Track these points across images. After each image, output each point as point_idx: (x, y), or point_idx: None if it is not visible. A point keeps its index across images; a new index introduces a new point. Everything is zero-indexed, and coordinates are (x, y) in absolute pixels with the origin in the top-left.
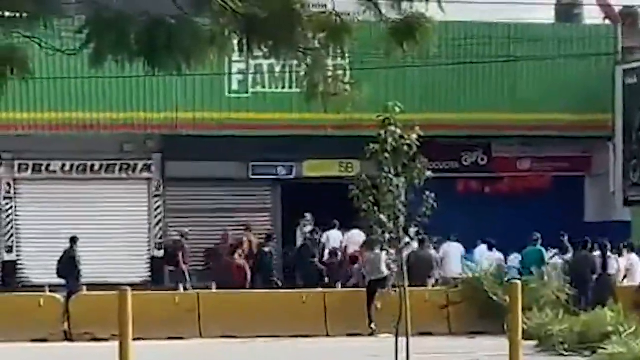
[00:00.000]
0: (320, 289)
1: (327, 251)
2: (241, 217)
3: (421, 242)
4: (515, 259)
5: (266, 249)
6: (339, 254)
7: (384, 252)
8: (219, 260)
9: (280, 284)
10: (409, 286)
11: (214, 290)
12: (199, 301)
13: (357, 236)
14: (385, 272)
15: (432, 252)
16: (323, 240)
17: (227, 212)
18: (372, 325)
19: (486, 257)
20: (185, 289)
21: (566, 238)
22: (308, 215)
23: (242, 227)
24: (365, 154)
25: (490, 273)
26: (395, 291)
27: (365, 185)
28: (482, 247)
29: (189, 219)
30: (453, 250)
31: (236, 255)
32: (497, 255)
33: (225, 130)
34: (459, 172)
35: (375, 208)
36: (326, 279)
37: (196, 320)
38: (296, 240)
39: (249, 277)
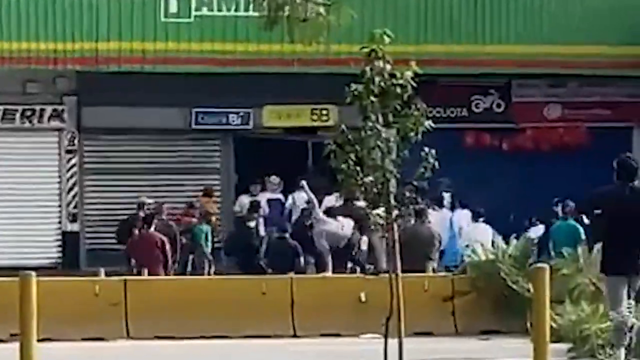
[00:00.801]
0: (288, 275)
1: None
2: (181, 180)
3: (418, 214)
4: (535, 232)
5: (251, 223)
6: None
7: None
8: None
9: (269, 270)
10: (403, 272)
11: (146, 277)
12: (126, 291)
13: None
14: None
15: (432, 226)
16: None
17: (163, 174)
18: None
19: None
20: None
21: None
22: (274, 179)
23: (176, 193)
24: (345, 97)
25: (509, 254)
26: (382, 276)
27: (345, 138)
28: (461, 213)
29: (111, 182)
30: (481, 232)
31: (152, 228)
32: (480, 227)
33: (161, 66)
34: (468, 121)
35: (358, 169)
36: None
37: (122, 315)
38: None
39: (169, 257)
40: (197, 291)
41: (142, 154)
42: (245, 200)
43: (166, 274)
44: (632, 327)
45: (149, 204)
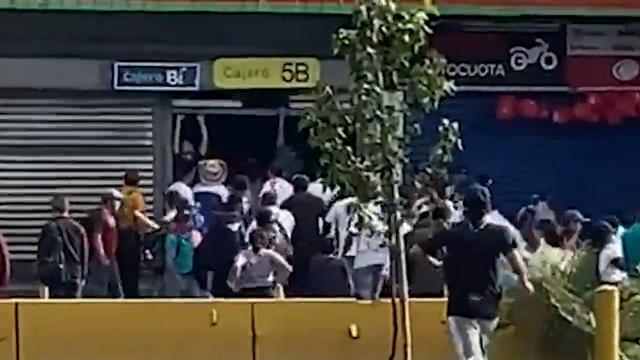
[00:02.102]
0: (246, 300)
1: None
2: (98, 163)
3: (436, 215)
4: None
5: (232, 225)
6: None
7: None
8: None
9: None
10: (412, 295)
11: (46, 300)
12: (18, 319)
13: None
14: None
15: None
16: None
17: (73, 154)
18: None
19: None
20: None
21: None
22: (212, 165)
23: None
24: (331, 47)
25: (562, 271)
26: (380, 302)
27: (330, 106)
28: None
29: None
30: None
31: None
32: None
33: (70, 0)
34: (505, 83)
35: (348, 149)
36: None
37: (13, 352)
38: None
39: (7, 269)
40: (120, 320)
41: (44, 125)
42: (183, 188)
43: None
44: None
45: (113, 196)
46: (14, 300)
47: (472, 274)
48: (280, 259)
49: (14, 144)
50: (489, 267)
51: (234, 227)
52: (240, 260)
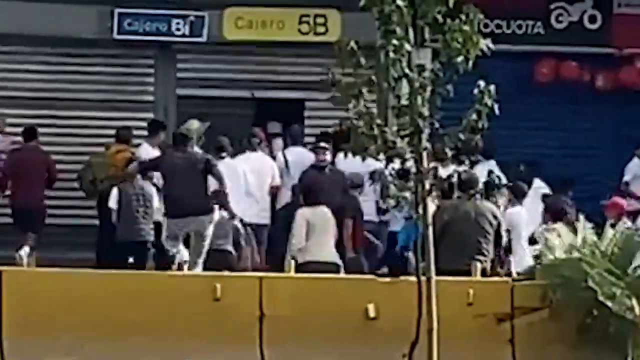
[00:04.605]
0: (255, 273)
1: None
2: (93, 120)
3: (464, 184)
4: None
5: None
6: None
7: None
8: None
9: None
10: (439, 273)
11: (31, 268)
12: (1, 287)
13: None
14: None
15: (488, 203)
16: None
17: (68, 109)
18: None
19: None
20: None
21: None
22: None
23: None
24: None
25: (602, 251)
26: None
27: (354, 63)
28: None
29: None
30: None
31: None
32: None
33: None
34: (544, 43)
35: (374, 111)
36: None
37: None
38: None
39: None
40: (111, 291)
41: (33, 76)
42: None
43: None
44: None
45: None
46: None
47: None
48: None
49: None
50: None
51: None
52: None
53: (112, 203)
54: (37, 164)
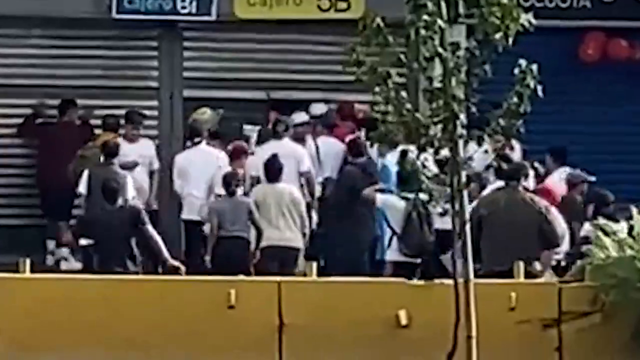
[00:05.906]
0: (274, 278)
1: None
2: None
3: (510, 175)
4: None
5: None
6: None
7: None
8: None
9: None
10: (478, 276)
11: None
12: None
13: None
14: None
15: (532, 195)
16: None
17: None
18: None
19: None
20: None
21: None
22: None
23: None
24: None
25: None
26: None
27: (382, 39)
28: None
29: None
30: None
31: None
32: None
33: None
34: (591, 17)
35: (403, 94)
36: None
37: None
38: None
39: None
40: (116, 298)
41: (24, 60)
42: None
43: None
44: None
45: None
46: None
47: None
48: None
49: None
50: None
51: None
52: None
53: (82, 187)
54: None
